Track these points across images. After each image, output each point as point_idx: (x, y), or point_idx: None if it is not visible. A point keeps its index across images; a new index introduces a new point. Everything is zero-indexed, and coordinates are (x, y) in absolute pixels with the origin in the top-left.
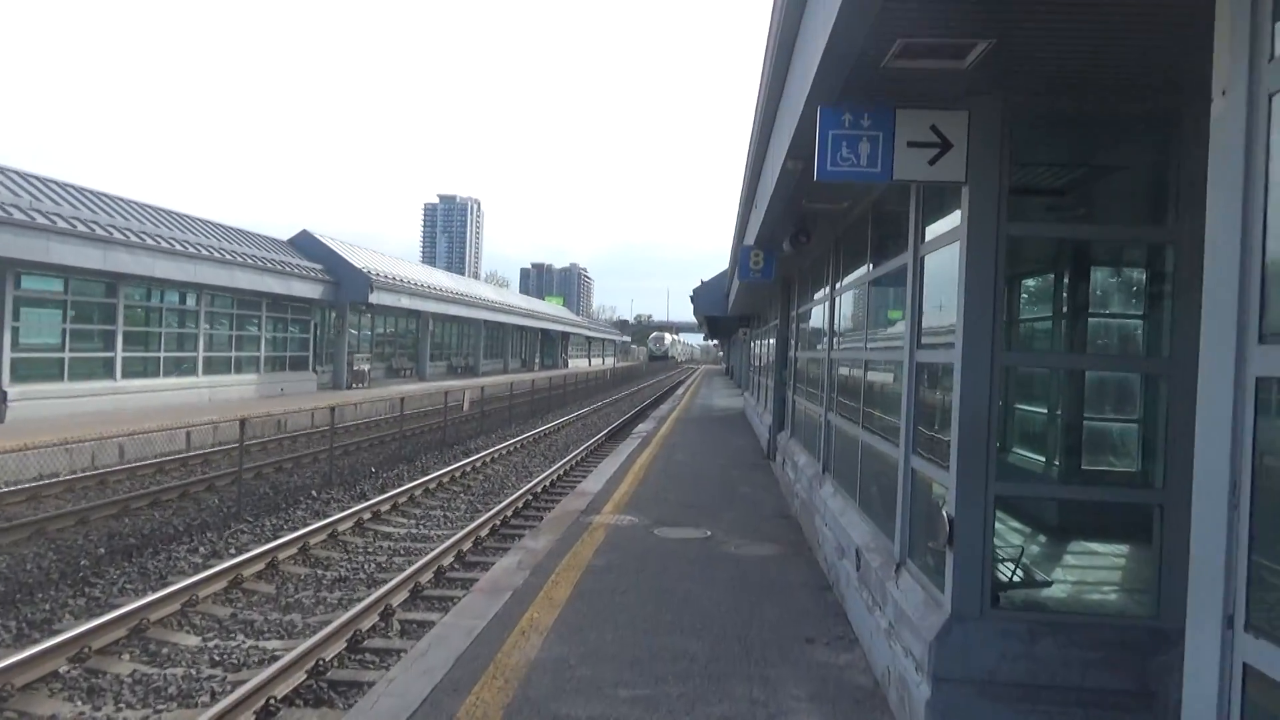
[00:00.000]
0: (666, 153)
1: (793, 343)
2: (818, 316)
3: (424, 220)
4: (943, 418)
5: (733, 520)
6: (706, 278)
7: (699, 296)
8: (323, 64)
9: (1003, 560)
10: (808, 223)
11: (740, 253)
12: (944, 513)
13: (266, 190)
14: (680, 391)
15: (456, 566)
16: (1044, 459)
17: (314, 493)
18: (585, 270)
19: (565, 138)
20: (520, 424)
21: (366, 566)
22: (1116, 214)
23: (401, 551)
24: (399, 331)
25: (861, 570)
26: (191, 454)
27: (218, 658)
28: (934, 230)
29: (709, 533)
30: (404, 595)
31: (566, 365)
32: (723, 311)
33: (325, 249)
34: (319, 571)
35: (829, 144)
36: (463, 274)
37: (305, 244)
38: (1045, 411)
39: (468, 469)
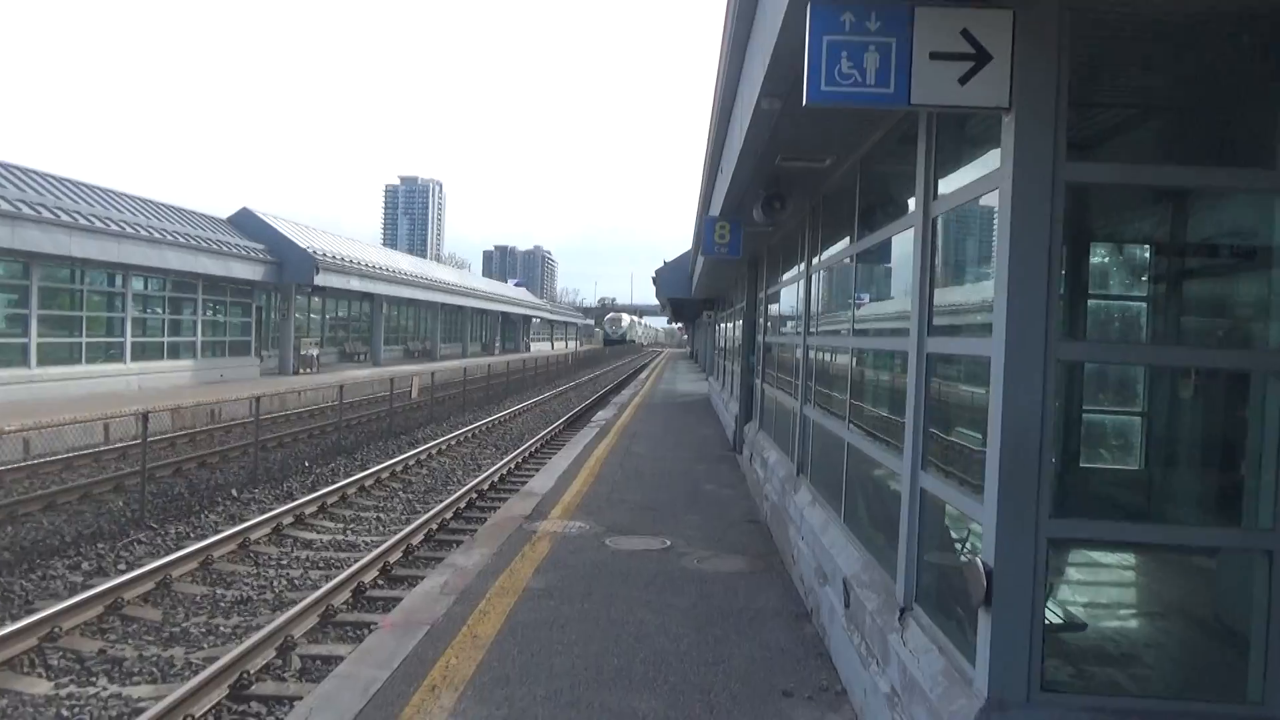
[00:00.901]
0: (633, 137)
1: (761, 325)
2: (790, 297)
3: (385, 202)
4: (970, 422)
5: (696, 526)
6: (671, 260)
7: (662, 278)
8: (280, 40)
9: (1053, 623)
10: (782, 185)
11: (704, 226)
12: (977, 561)
13: (221, 173)
14: (644, 376)
15: (381, 582)
16: (1116, 486)
17: (235, 492)
18: (549, 253)
19: (530, 121)
20: (474, 411)
21: (276, 584)
22: (1223, 153)
23: (321, 564)
24: (353, 315)
25: (852, 608)
26: (106, 449)
27: (66, 712)
28: (954, 181)
29: (668, 542)
30: (312, 621)
31: (529, 349)
32: (686, 293)
33: (267, 228)
34: (219, 592)
35: (823, 54)
36: (425, 257)
37: (246, 223)
38: (1117, 421)
39: (411, 462)
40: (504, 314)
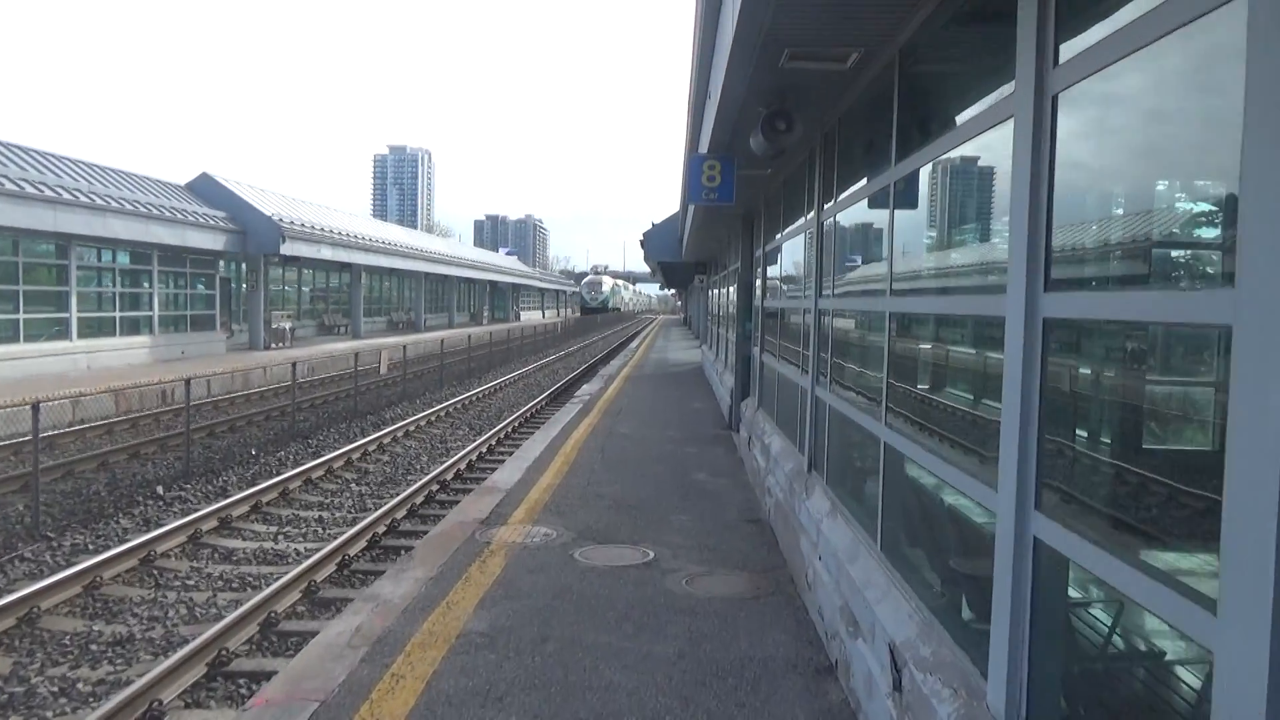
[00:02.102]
0: (627, 105)
1: (758, 288)
2: (795, 253)
3: (374, 172)
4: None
5: (685, 529)
6: (660, 221)
7: (650, 240)
8: (267, 10)
9: None
10: (788, 99)
11: (691, 167)
12: None
13: (211, 149)
14: (634, 345)
15: (301, 609)
16: None
17: (161, 489)
18: (540, 222)
19: (522, 89)
20: (452, 387)
21: (172, 615)
22: None
23: (235, 584)
24: (333, 287)
25: (907, 691)
26: (21, 439)
27: None
28: (1097, 35)
29: (651, 554)
30: (195, 674)
31: (519, 318)
32: (676, 256)
33: (230, 195)
34: (96, 628)
35: None
36: (415, 228)
37: (207, 189)
38: None
39: (372, 447)
40: (492, 283)
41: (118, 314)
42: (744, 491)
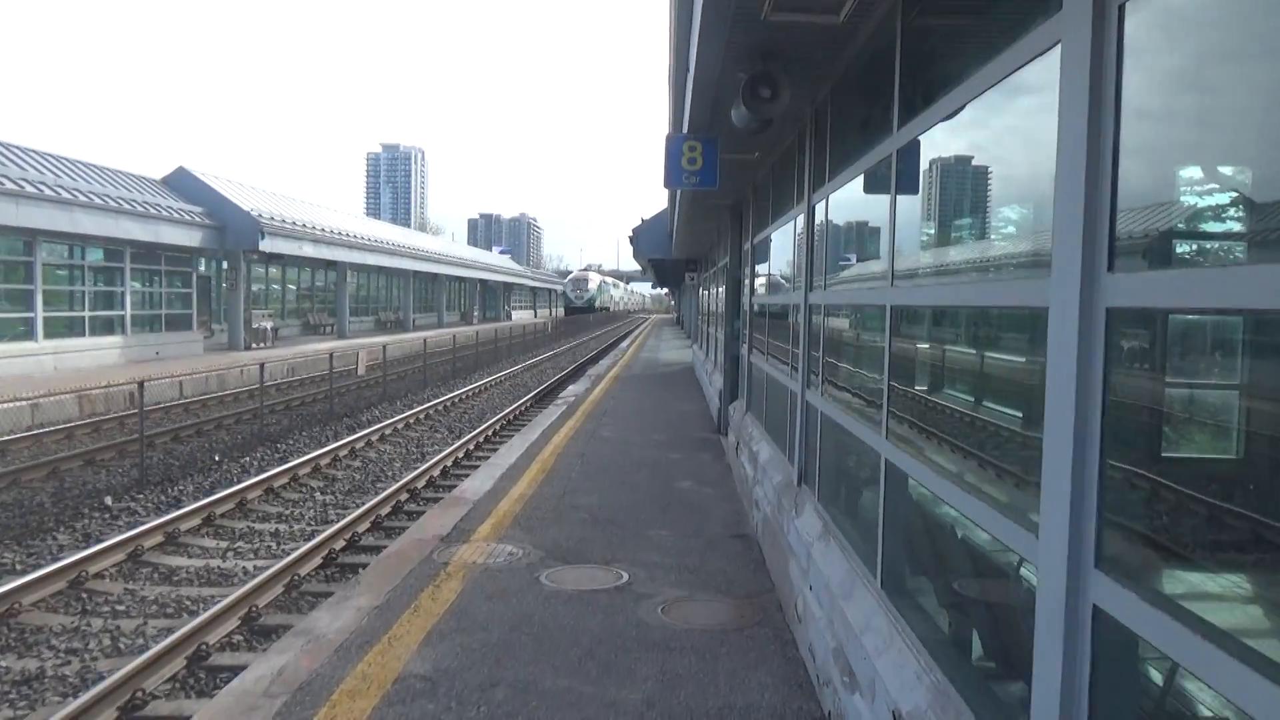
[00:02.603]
0: (621, 104)
1: (746, 284)
2: (784, 243)
3: (367, 171)
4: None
5: (665, 546)
6: (649, 217)
7: (639, 237)
8: (260, 10)
9: None
10: (773, 62)
11: (670, 149)
12: None
13: (201, 147)
14: (625, 344)
15: (239, 637)
16: None
17: (110, 500)
18: (534, 220)
19: (516, 87)
20: (436, 388)
21: (93, 646)
22: None
23: (171, 609)
24: (319, 285)
25: None
26: None
27: None
28: None
29: (625, 576)
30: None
31: (510, 317)
32: (666, 253)
33: (207, 189)
34: (4, 664)
35: None
36: (409, 226)
37: (184, 184)
38: None
39: (343, 452)
40: (483, 282)
41: (87, 313)
42: (731, 502)
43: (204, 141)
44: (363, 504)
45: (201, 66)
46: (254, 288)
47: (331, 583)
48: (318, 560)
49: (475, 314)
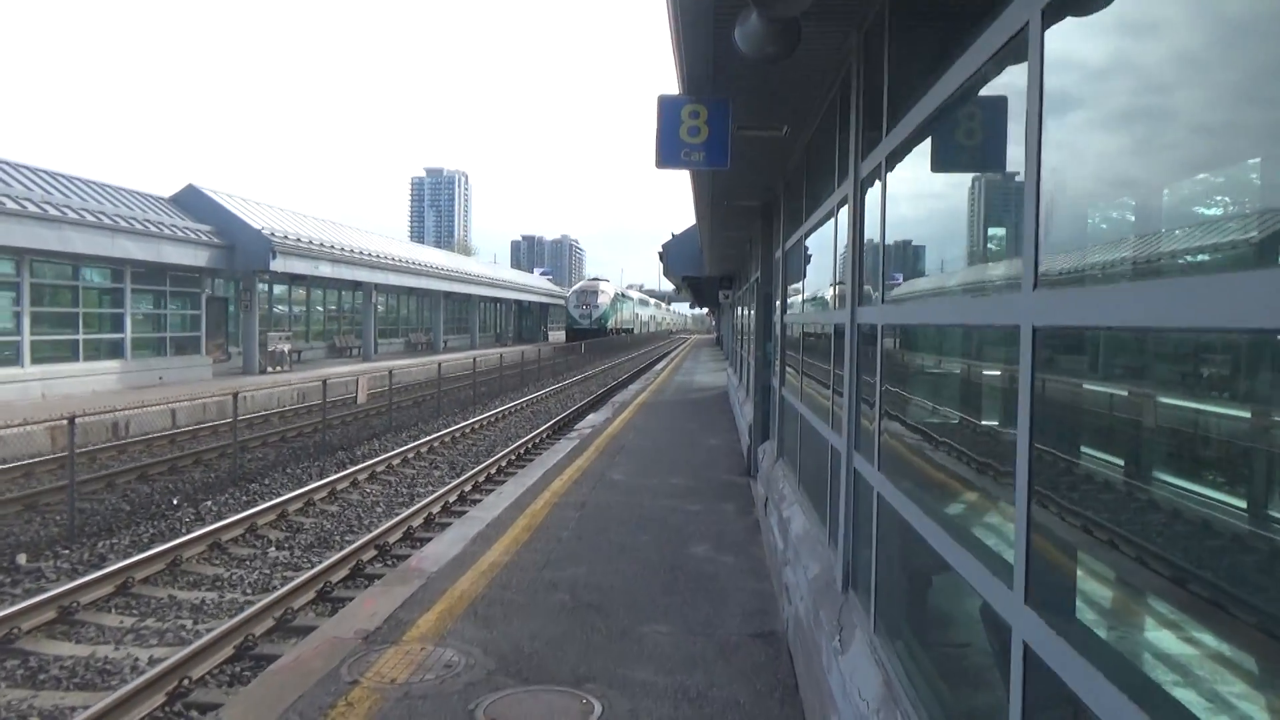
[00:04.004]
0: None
1: (777, 301)
2: (822, 245)
3: (411, 195)
4: None
5: (662, 653)
6: (680, 232)
7: (670, 253)
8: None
9: None
10: None
11: (663, 114)
12: None
13: (256, 177)
14: (660, 366)
15: None
16: None
17: (23, 559)
18: (576, 242)
19: (558, 111)
20: (450, 416)
21: None
22: None
23: None
24: (347, 307)
25: None
26: None
27: None
28: None
29: (598, 710)
30: None
31: (547, 338)
32: (699, 269)
33: (216, 207)
34: None
35: None
36: (451, 249)
37: (193, 202)
38: None
39: (321, 494)
40: (518, 302)
41: (81, 336)
42: (755, 578)
43: (255, 171)
44: (319, 564)
45: (256, 99)
46: (278, 309)
47: (233, 685)
48: (228, 650)
49: (510, 335)
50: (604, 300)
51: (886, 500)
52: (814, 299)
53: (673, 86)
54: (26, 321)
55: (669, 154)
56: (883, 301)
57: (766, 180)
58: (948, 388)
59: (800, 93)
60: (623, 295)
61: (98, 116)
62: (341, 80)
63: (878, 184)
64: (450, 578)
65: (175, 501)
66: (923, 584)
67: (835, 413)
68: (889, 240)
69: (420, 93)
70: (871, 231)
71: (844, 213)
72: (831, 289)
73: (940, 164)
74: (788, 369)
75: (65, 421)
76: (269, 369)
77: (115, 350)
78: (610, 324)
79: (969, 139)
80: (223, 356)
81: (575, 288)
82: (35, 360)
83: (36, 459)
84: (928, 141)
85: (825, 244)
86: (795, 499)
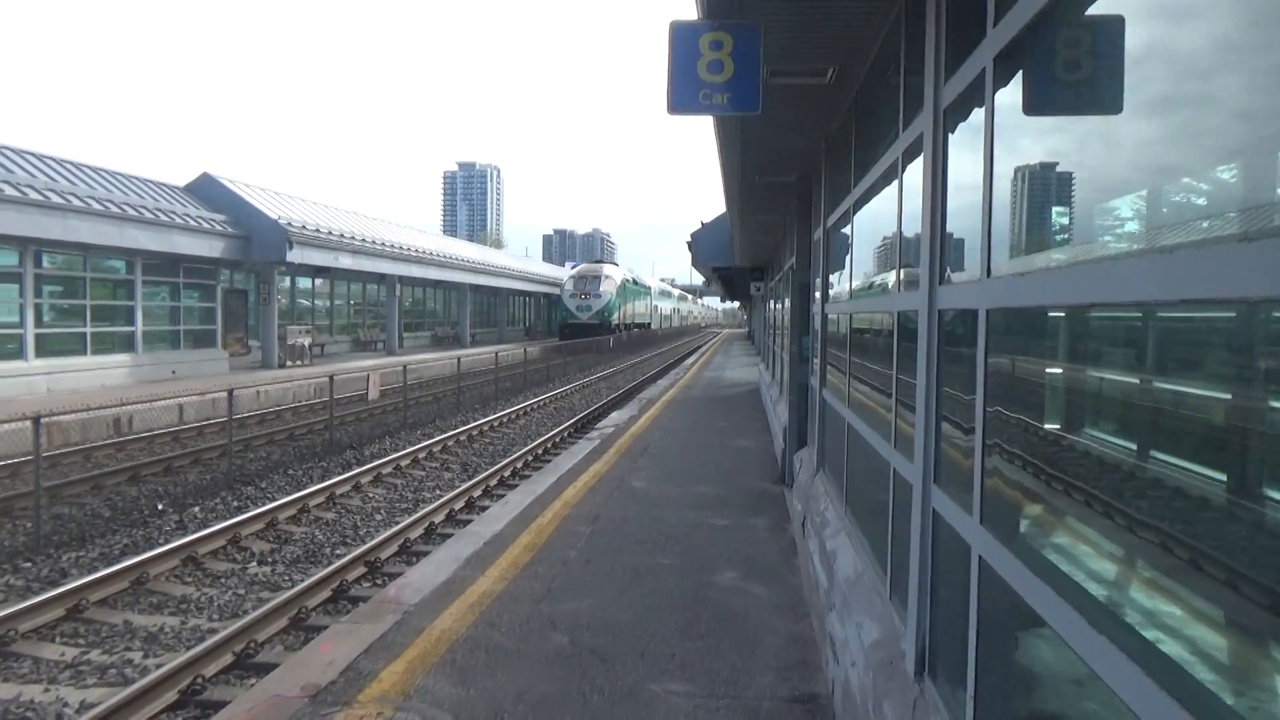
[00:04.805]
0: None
1: (817, 286)
2: (883, 209)
3: (444, 189)
4: None
5: None
6: (709, 220)
7: (699, 242)
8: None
9: None
10: None
11: (677, 44)
12: None
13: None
14: (690, 361)
15: None
16: None
17: None
18: (608, 235)
19: (589, 104)
20: (469, 412)
21: None
22: None
23: None
24: (372, 299)
25: None
26: None
27: None
28: None
29: None
30: None
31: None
32: (729, 260)
33: (231, 196)
34: None
35: None
36: (484, 244)
37: (208, 191)
38: None
39: (318, 499)
40: (548, 296)
41: (89, 329)
42: (792, 617)
43: (292, 168)
44: (303, 581)
45: (293, 98)
46: (301, 302)
47: None
48: (169, 696)
49: (539, 328)
50: (608, 288)
51: (993, 568)
52: (865, 285)
53: (690, 12)
54: (31, 314)
55: (684, 95)
56: (988, 275)
57: (805, 147)
58: (1121, 413)
59: (850, 23)
60: (634, 282)
61: (142, 109)
62: (376, 77)
63: (977, 111)
64: (431, 612)
65: (160, 506)
66: (1055, 698)
67: (899, 427)
68: (999, 186)
69: (453, 88)
70: (964, 180)
71: (915, 167)
72: (895, 272)
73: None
74: (829, 367)
75: (35, 416)
76: (288, 363)
77: (126, 343)
78: (615, 318)
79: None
80: (242, 350)
81: (572, 271)
82: (41, 354)
83: (24, 458)
84: (1056, 32)
85: (882, 213)
86: (841, 525)
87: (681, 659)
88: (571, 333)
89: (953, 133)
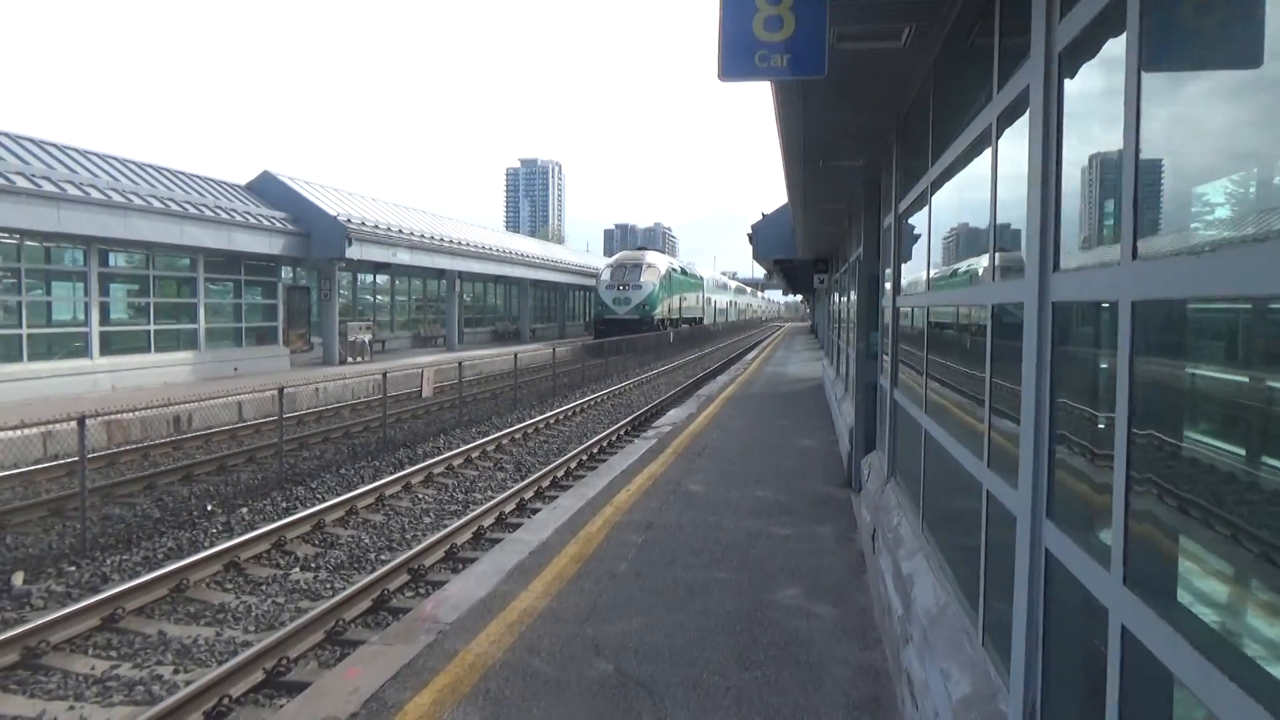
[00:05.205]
0: (755, 111)
1: (888, 278)
2: (971, 182)
3: (506, 185)
4: None
5: None
6: (770, 212)
7: (759, 234)
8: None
9: None
10: None
11: (725, 10)
12: None
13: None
14: (751, 356)
15: None
16: None
17: (19, 578)
18: (669, 229)
19: (651, 98)
20: (526, 408)
21: None
22: None
23: None
24: (433, 295)
25: None
26: None
27: None
28: None
29: None
30: None
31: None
32: (791, 251)
33: (291, 193)
34: None
35: None
36: (546, 239)
37: (268, 189)
38: None
39: (367, 501)
40: None
41: (152, 327)
42: (861, 644)
43: (360, 168)
44: (340, 591)
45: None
46: (363, 298)
47: None
48: (193, 719)
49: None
50: (650, 278)
51: (1145, 646)
52: (946, 274)
53: None
54: (95, 312)
55: (737, 58)
56: (1133, 257)
57: (874, 126)
58: None
59: None
60: (682, 272)
61: (209, 112)
62: (442, 79)
63: (1112, 43)
64: (468, 633)
65: (209, 508)
66: None
67: (995, 441)
68: (1147, 139)
69: (516, 85)
70: (1084, 138)
71: (1013, 133)
72: (987, 257)
73: None
74: (902, 365)
75: (75, 423)
76: (349, 359)
77: (189, 341)
78: (659, 312)
79: None
80: (304, 347)
81: (609, 261)
82: (106, 352)
83: (93, 455)
84: None
85: (967, 192)
86: (918, 545)
87: (737, 694)
88: (607, 329)
89: (1070, 78)
